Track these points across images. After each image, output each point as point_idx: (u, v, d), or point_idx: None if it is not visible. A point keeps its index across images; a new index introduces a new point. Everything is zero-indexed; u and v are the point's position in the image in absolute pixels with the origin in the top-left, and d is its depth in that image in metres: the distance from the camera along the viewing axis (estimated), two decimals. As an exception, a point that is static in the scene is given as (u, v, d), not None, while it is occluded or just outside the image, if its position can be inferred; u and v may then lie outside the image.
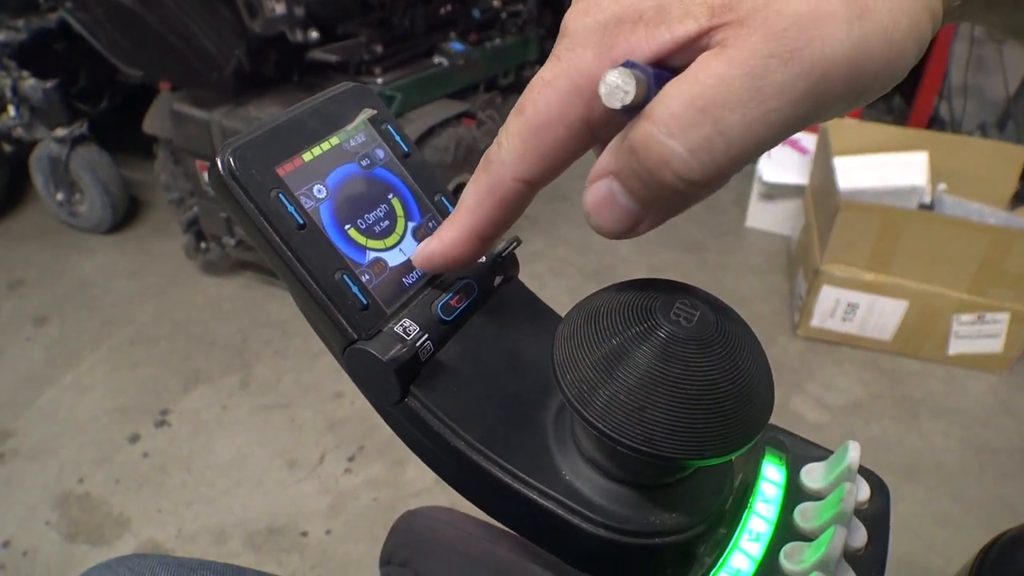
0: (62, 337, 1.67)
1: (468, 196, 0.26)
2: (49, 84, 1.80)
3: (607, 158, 0.22)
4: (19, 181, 2.13)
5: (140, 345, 1.65)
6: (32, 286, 1.84)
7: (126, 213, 2.07)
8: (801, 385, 1.61)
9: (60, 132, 1.85)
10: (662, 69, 0.20)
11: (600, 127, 0.23)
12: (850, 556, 0.27)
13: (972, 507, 1.34)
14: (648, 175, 0.20)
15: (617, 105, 0.20)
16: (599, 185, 0.22)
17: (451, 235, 0.27)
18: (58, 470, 1.35)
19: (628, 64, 0.20)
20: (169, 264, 1.92)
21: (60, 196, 1.97)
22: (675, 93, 0.19)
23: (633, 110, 0.20)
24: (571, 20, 0.22)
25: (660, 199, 0.21)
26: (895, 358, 1.69)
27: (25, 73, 1.83)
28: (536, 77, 0.23)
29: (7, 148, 2.10)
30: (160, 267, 1.92)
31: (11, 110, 1.86)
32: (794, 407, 1.55)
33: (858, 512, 0.29)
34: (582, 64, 0.22)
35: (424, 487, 1.33)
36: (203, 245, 1.80)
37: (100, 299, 1.80)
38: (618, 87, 0.20)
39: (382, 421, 0.30)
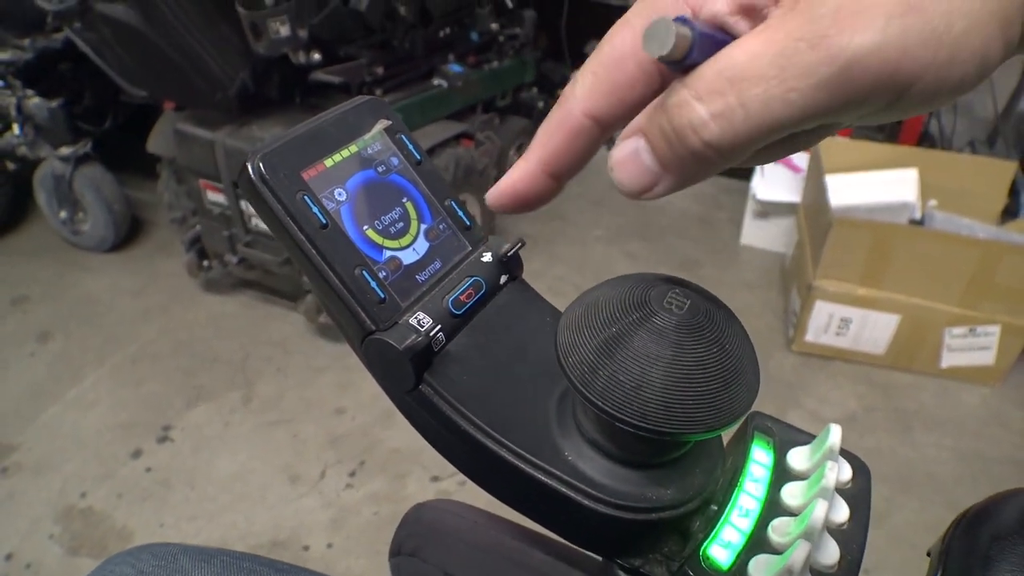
0: (65, 353, 1.68)
1: (539, 133, 0.26)
2: (54, 103, 1.83)
3: (641, 118, 0.23)
4: (23, 199, 2.16)
5: (143, 362, 1.67)
6: (35, 302, 1.86)
7: (129, 232, 2.10)
8: (796, 400, 1.63)
9: (64, 151, 1.88)
10: (726, 35, 0.22)
11: (669, 74, 0.24)
12: (833, 530, 0.29)
13: (966, 518, 1.35)
14: (673, 134, 0.22)
15: (654, 54, 0.21)
16: (628, 142, 0.23)
17: (521, 168, 0.27)
18: (61, 484, 1.36)
19: (680, 19, 0.21)
20: (171, 282, 1.94)
21: (63, 214, 1.99)
22: (711, 63, 0.21)
23: (674, 64, 0.21)
24: None
25: (679, 160, 0.22)
26: (888, 372, 1.71)
27: (30, 92, 1.86)
28: (620, 20, 0.24)
29: (11, 166, 2.12)
30: (163, 285, 1.94)
31: (16, 128, 1.88)
32: (790, 421, 1.55)
33: (841, 491, 0.31)
34: (661, 6, 0.23)
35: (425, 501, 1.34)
36: (205, 263, 1.82)
37: (103, 316, 1.81)
38: (655, 37, 0.21)
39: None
